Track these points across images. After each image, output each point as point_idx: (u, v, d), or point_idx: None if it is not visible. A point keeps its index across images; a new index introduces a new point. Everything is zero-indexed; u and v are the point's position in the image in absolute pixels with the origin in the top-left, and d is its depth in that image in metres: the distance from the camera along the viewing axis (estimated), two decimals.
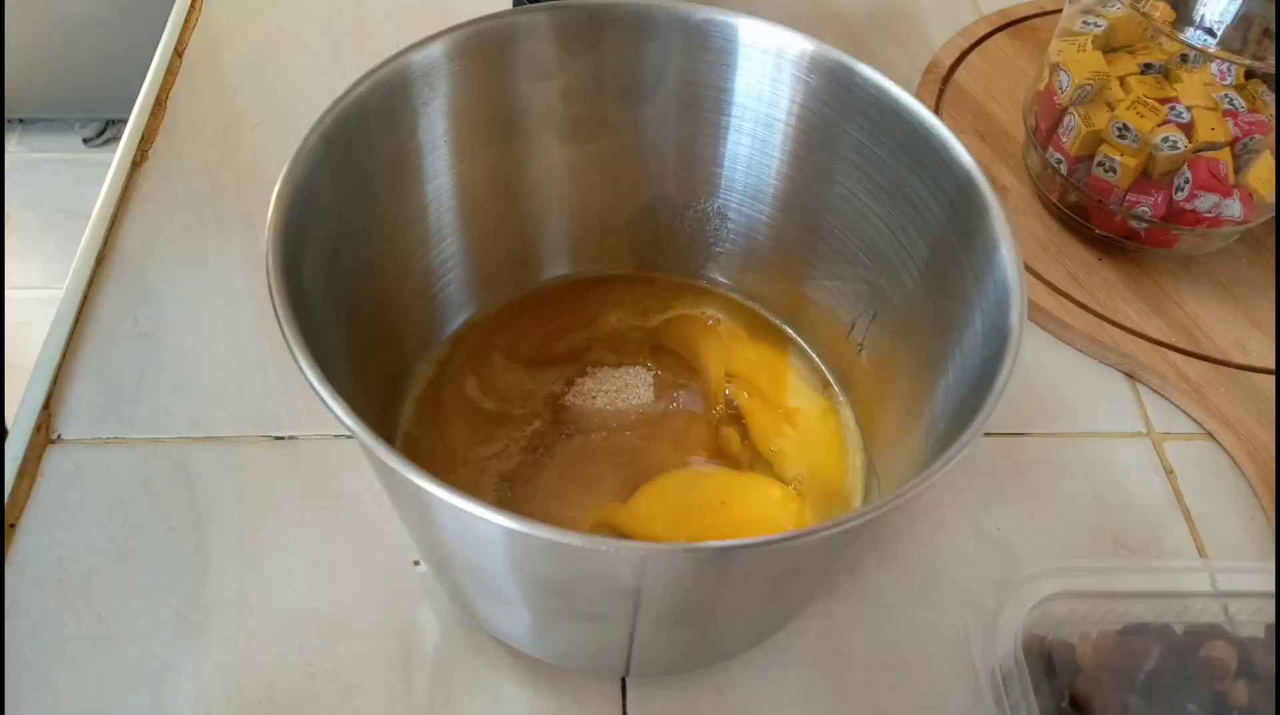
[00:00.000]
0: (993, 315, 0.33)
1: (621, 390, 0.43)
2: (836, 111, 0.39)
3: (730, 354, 0.44)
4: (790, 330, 0.46)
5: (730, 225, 0.45)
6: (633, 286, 0.46)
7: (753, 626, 0.37)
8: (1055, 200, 0.54)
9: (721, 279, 0.47)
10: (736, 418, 0.43)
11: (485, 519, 0.26)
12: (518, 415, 0.42)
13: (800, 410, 0.43)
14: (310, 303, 0.32)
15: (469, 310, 0.44)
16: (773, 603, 0.35)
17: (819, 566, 0.35)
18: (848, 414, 0.43)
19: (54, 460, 0.42)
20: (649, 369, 0.44)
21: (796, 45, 0.39)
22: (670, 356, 0.44)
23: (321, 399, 0.28)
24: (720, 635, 0.36)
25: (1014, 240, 0.33)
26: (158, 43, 0.60)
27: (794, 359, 0.45)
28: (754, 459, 0.42)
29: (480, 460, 0.41)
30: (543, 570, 0.31)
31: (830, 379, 0.44)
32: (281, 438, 0.44)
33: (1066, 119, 0.51)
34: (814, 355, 0.45)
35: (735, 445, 0.42)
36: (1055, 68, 0.52)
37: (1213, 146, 0.48)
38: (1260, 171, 0.49)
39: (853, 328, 0.43)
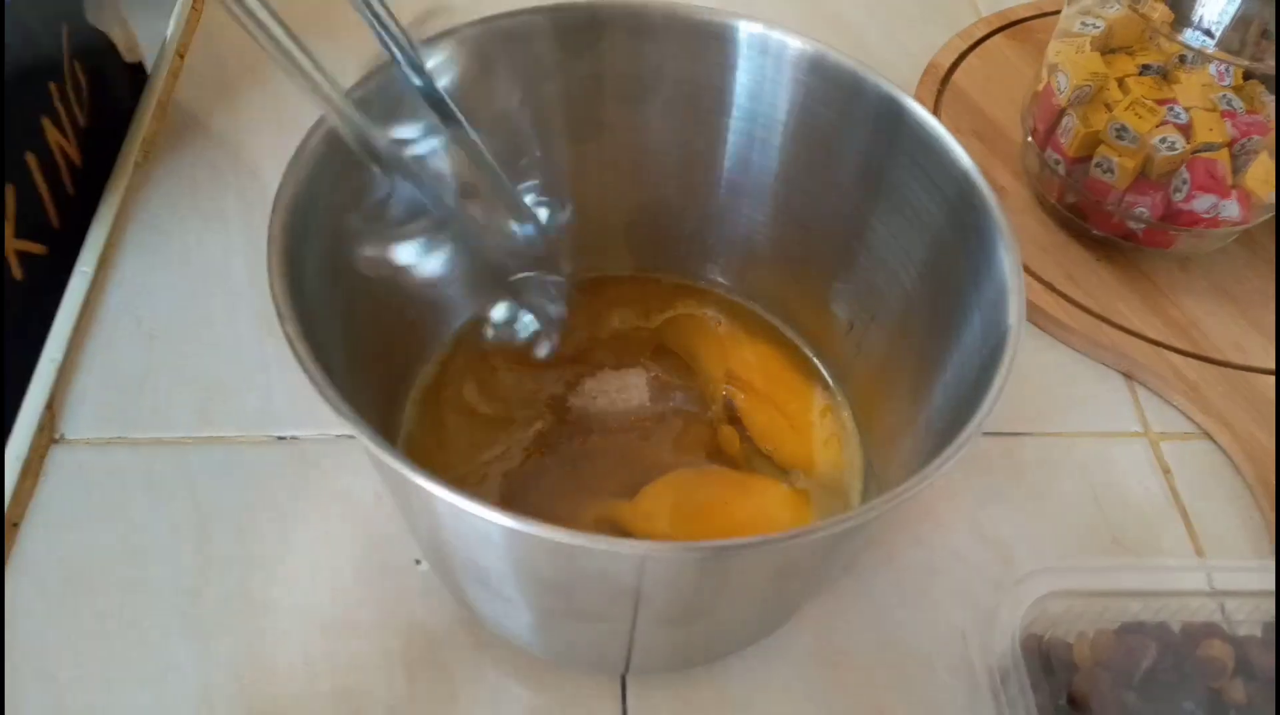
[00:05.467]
0: (991, 315, 0.33)
1: (622, 391, 0.43)
2: (836, 112, 0.39)
3: (729, 354, 0.45)
4: (789, 330, 0.46)
5: (730, 226, 0.45)
6: (633, 287, 0.47)
7: (752, 624, 0.37)
8: (1053, 201, 0.54)
9: (721, 279, 0.47)
10: (735, 418, 0.43)
11: (486, 519, 0.26)
12: (520, 416, 0.42)
13: (799, 410, 0.43)
14: (312, 303, 0.32)
15: (470, 310, 0.45)
16: (771, 601, 0.36)
17: (817, 565, 0.35)
18: (846, 414, 0.43)
19: (57, 459, 0.43)
20: (649, 370, 0.44)
21: (795, 46, 0.39)
22: (671, 357, 0.45)
23: (324, 399, 0.28)
24: (720, 633, 0.36)
25: (1012, 240, 0.34)
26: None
27: (792, 359, 0.45)
28: (753, 458, 0.42)
29: (482, 460, 0.41)
30: (543, 569, 0.31)
31: (829, 379, 0.44)
32: (284, 438, 0.44)
33: (1065, 120, 0.51)
34: (812, 355, 0.45)
35: (734, 445, 0.42)
36: (1053, 69, 0.52)
37: (1211, 147, 0.48)
38: (1258, 172, 0.49)
39: (851, 328, 0.43)
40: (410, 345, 0.43)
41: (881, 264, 0.40)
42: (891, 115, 0.37)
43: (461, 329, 0.44)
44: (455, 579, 0.36)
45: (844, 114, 0.39)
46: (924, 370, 0.38)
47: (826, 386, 0.44)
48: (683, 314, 0.46)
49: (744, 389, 0.43)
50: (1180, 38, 0.49)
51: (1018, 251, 0.33)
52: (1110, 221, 0.52)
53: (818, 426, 0.43)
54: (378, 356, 0.39)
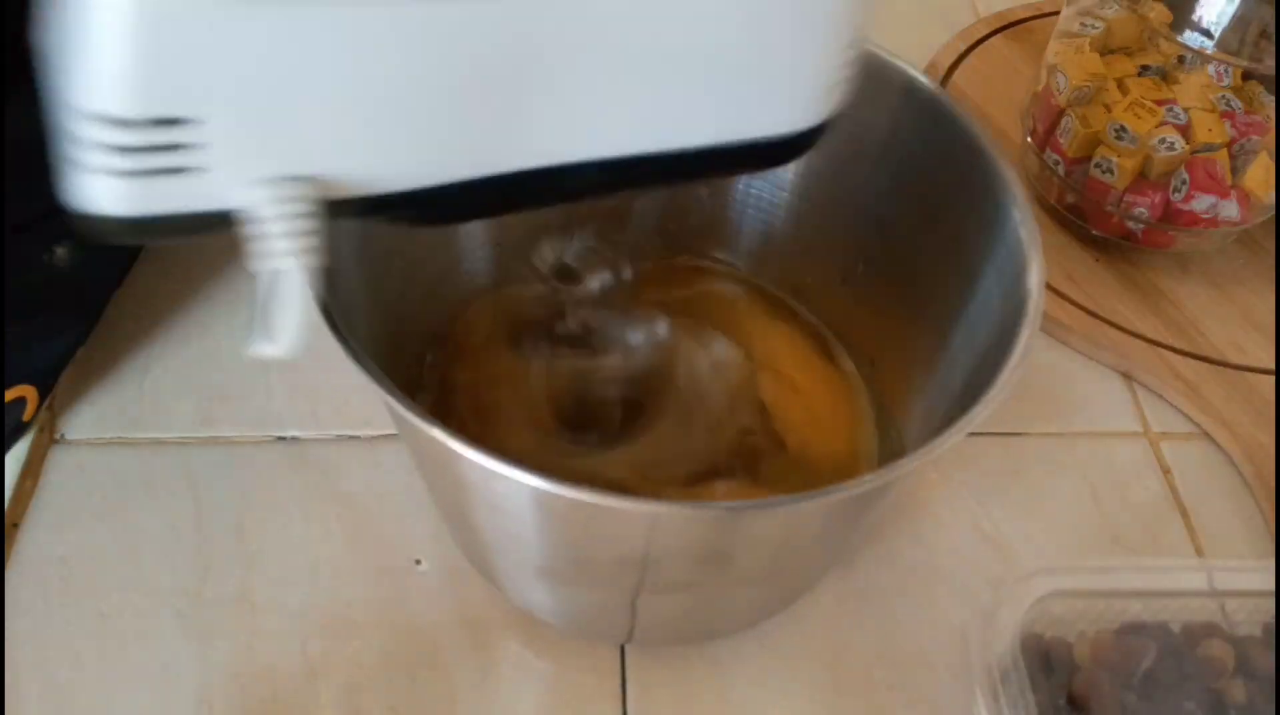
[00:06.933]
0: (1007, 286, 0.34)
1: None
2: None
3: (750, 336, 0.44)
4: (807, 312, 0.45)
5: (747, 208, 0.45)
6: (653, 266, 0.46)
7: (755, 600, 0.37)
8: (1053, 201, 0.54)
9: (739, 262, 0.47)
10: (757, 398, 0.43)
11: (510, 477, 0.27)
12: (537, 392, 0.42)
13: (817, 392, 0.43)
14: (340, 281, 0.32)
15: (497, 284, 0.44)
16: (776, 574, 0.36)
17: (827, 534, 0.35)
18: (864, 395, 0.43)
19: (57, 460, 0.43)
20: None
21: None
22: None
23: (358, 364, 0.28)
24: (722, 607, 0.37)
25: (1027, 206, 0.34)
26: None
27: (811, 341, 0.45)
28: (772, 440, 0.42)
29: (500, 435, 0.40)
30: (561, 528, 0.31)
31: (848, 360, 0.44)
32: (284, 438, 0.44)
33: (1064, 120, 0.51)
34: (829, 335, 0.45)
35: (756, 424, 0.42)
36: (1053, 69, 0.52)
37: (1210, 148, 0.48)
38: (1257, 173, 0.49)
39: (871, 310, 0.43)
40: (437, 318, 0.42)
41: (898, 243, 0.40)
42: (902, 91, 0.38)
43: (486, 303, 0.44)
44: (475, 546, 0.36)
45: (859, 96, 0.39)
46: (942, 352, 0.38)
47: (846, 369, 0.44)
48: (702, 291, 0.46)
49: (764, 370, 0.43)
50: (1179, 38, 0.49)
51: (1032, 217, 0.34)
52: (1110, 222, 0.52)
53: (836, 408, 0.43)
54: (404, 330, 0.39)
